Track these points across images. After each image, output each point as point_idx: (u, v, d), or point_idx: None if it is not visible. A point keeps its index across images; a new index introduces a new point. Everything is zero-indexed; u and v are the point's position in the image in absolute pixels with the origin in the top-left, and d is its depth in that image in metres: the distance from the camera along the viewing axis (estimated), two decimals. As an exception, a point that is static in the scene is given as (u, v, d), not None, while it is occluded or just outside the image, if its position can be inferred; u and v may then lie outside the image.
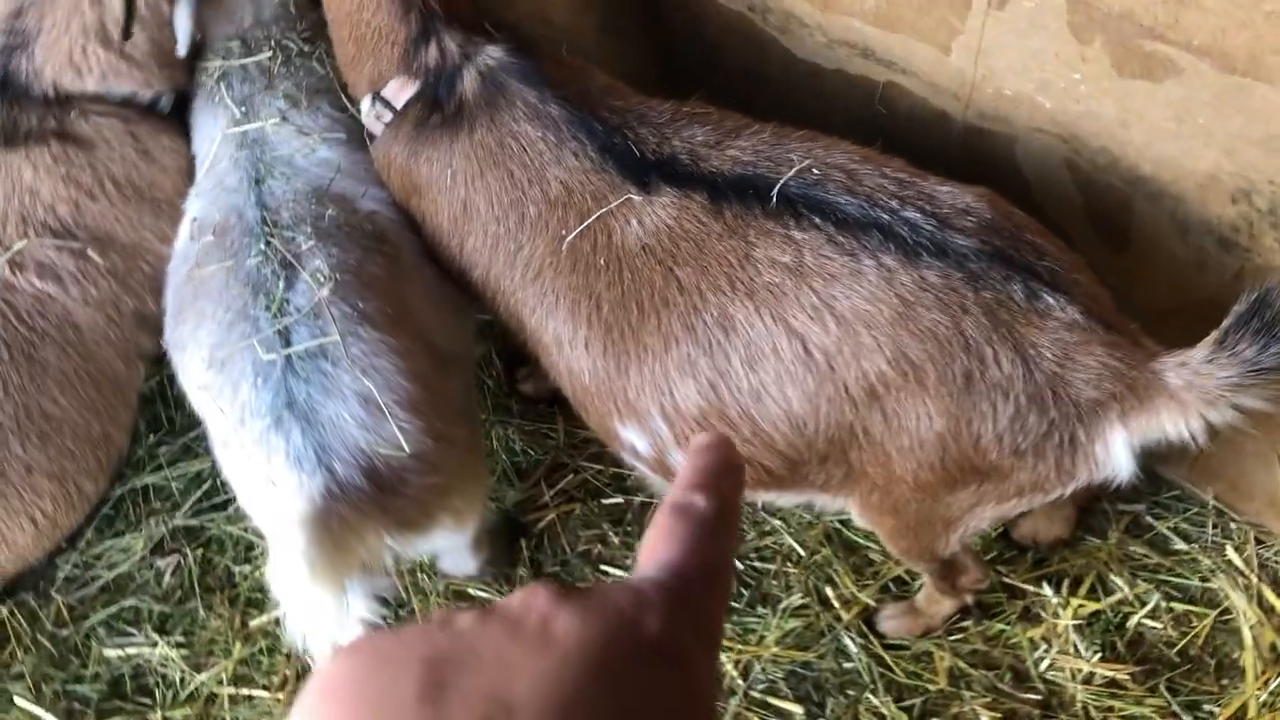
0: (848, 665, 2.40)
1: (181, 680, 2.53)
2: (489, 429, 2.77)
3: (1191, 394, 1.59)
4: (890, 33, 2.03)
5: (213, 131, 2.27)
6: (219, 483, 2.72)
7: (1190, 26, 1.62)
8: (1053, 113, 1.92)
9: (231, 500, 2.70)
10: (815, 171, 1.77)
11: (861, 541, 2.53)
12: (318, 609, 1.75)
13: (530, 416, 2.80)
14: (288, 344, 1.85)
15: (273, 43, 2.39)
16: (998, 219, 1.69)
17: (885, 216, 1.69)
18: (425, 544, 2.06)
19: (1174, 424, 1.62)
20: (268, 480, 1.81)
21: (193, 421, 2.77)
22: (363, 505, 1.77)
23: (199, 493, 2.74)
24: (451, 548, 2.27)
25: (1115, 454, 1.66)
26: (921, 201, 1.71)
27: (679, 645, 0.55)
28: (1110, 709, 2.29)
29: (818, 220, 1.71)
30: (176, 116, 2.46)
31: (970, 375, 1.62)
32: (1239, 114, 1.68)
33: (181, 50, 2.38)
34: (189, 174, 2.41)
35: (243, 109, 2.25)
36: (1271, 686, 2.24)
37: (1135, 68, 1.74)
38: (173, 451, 2.80)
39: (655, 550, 0.62)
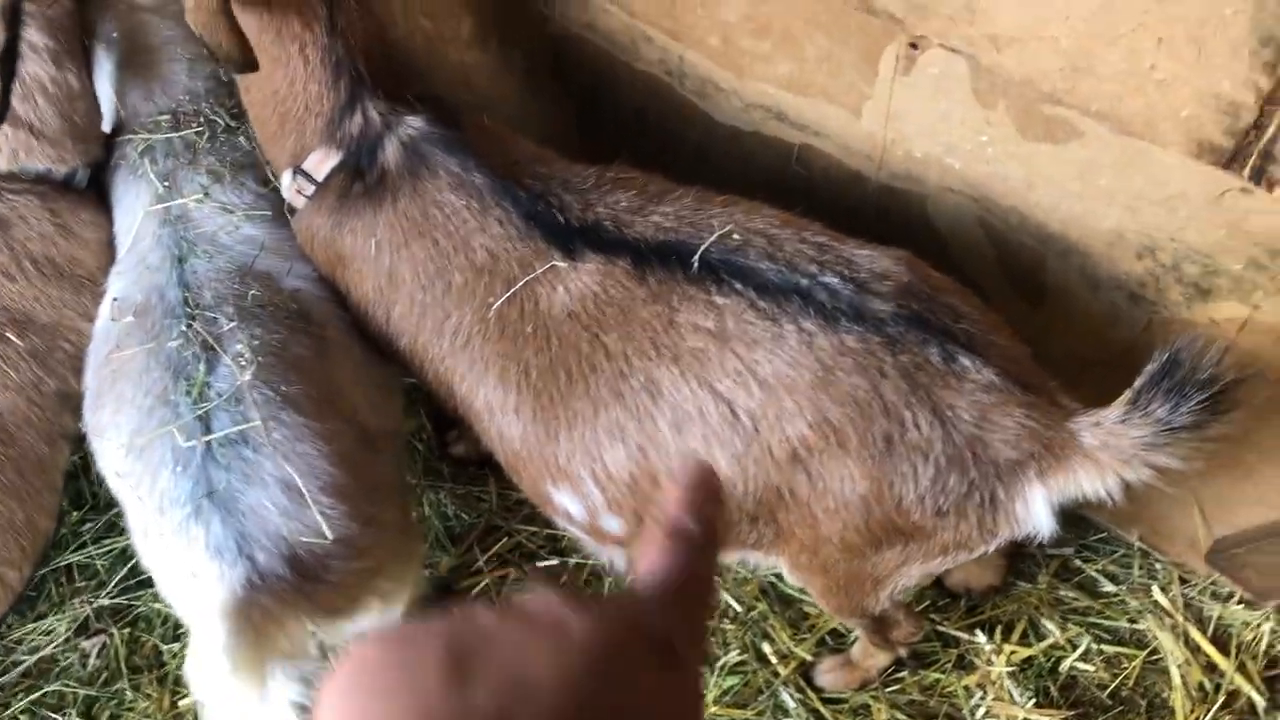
0: (787, 721, 2.40)
1: (108, 767, 2.47)
2: (421, 494, 2.75)
3: (1106, 454, 1.62)
4: (803, 97, 2.07)
5: (135, 207, 2.24)
6: (145, 560, 2.67)
7: (1087, 93, 1.67)
8: (962, 173, 1.96)
9: (158, 579, 2.65)
10: (736, 237, 1.79)
11: (797, 595, 2.54)
12: (238, 701, 1.71)
13: (462, 480, 2.78)
14: (208, 430, 1.81)
15: (201, 118, 2.37)
16: (915, 282, 1.72)
17: (805, 281, 1.71)
18: (352, 628, 2.03)
19: (1090, 483, 1.65)
20: (188, 570, 1.77)
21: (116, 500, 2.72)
22: (285, 595, 1.73)
23: (125, 569, 2.68)
24: (380, 625, 2.24)
25: (1035, 512, 1.69)
26: (840, 266, 1.73)
27: (675, 646, 0.61)
28: (1045, 754, 2.32)
29: (739, 286, 1.73)
30: (94, 189, 2.43)
31: (890, 438, 1.65)
32: (1139, 175, 1.73)
33: (105, 124, 2.35)
34: (110, 248, 2.37)
35: (166, 184, 2.22)
36: (1201, 723, 2.28)
37: (1038, 131, 1.79)
38: (97, 529, 2.74)
39: (651, 567, 0.69)
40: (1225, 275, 1.79)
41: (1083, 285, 2.00)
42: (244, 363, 1.86)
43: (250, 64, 1.92)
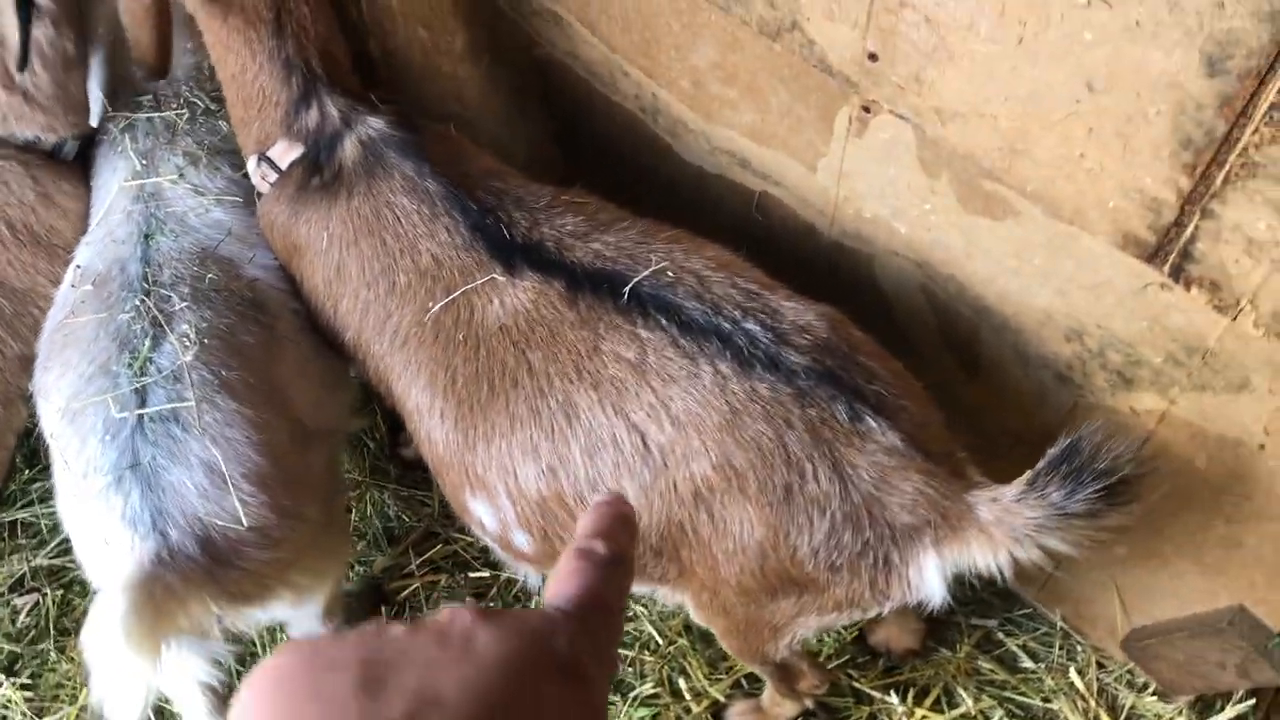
0: (693, 760, 2.42)
1: (21, 724, 2.50)
2: (364, 492, 2.79)
3: (1000, 530, 1.64)
4: (765, 147, 2.11)
5: (110, 182, 2.30)
6: (87, 525, 2.71)
7: (1023, 173, 1.70)
8: (907, 238, 1.99)
9: (98, 543, 2.69)
10: (670, 274, 1.82)
11: (718, 635, 2.56)
12: (126, 674, 1.73)
13: (407, 483, 2.82)
14: (143, 404, 1.86)
15: (181, 100, 2.43)
16: (833, 339, 1.75)
17: (726, 325, 1.74)
18: (263, 615, 2.06)
19: (983, 556, 1.67)
20: (102, 537, 1.81)
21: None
22: (192, 574, 1.76)
23: (64, 533, 2.72)
24: (296, 618, 2.27)
25: (927, 578, 1.71)
26: (764, 315, 1.77)
27: (582, 664, 0.62)
28: (943, 822, 2.33)
29: (664, 321, 1.76)
30: (80, 163, 2.49)
31: (790, 488, 1.67)
32: (1069, 259, 1.76)
33: (94, 104, 2.41)
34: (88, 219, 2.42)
35: (144, 162, 2.27)
36: (1098, 812, 2.29)
37: (978, 205, 1.82)
38: (46, 488, 2.79)
39: (561, 586, 0.70)
40: (1146, 366, 1.81)
41: (1015, 361, 2.03)
42: (188, 343, 1.91)
43: (161, 71, 1.99)
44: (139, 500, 1.79)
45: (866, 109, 1.85)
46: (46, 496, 2.78)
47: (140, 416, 1.85)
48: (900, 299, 2.14)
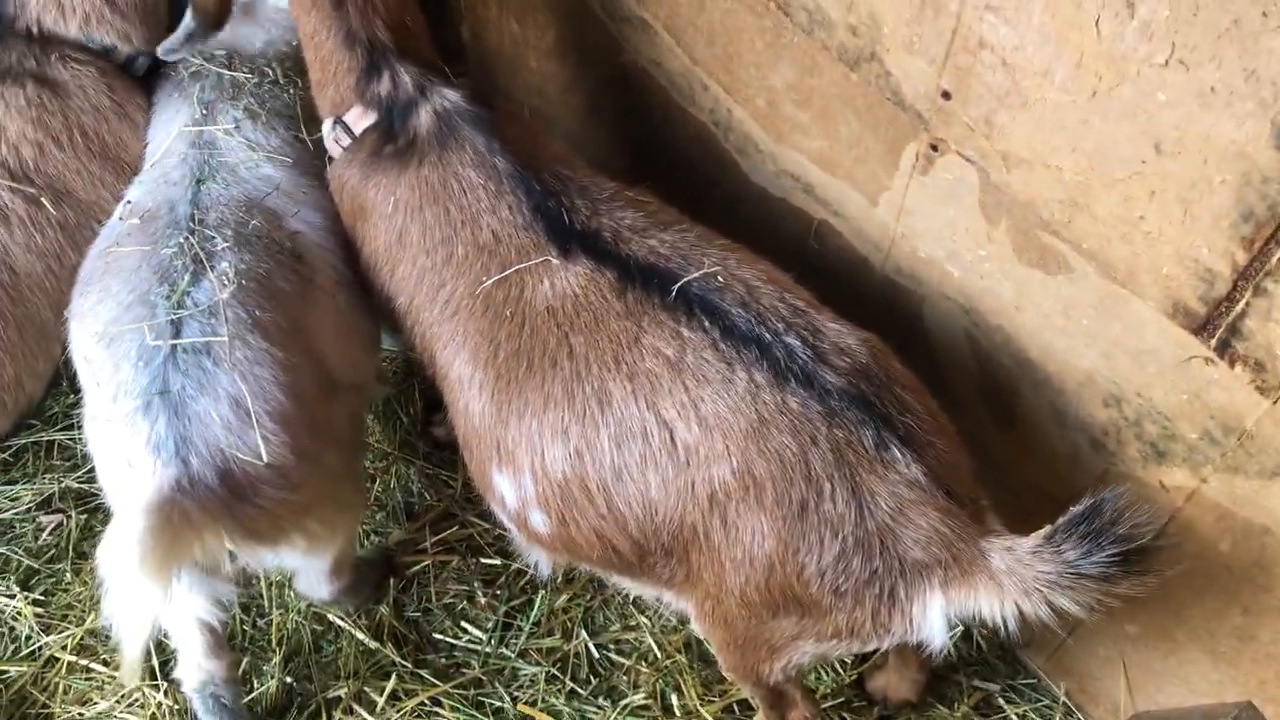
0: (674, 777, 2.40)
1: (28, 637, 2.55)
2: (391, 464, 2.82)
3: (1011, 580, 1.63)
4: (829, 174, 2.12)
5: (171, 124, 2.36)
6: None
7: (1081, 229, 1.70)
8: (959, 282, 2.00)
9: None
10: (720, 279, 1.84)
11: (716, 657, 2.54)
12: (137, 597, 1.76)
13: (434, 461, 2.85)
14: (177, 335, 1.90)
15: (253, 64, 2.49)
16: (872, 366, 1.76)
17: (768, 336, 1.76)
18: (272, 558, 2.09)
19: (989, 604, 1.65)
20: (125, 460, 1.85)
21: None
22: (209, 504, 1.80)
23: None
24: (305, 568, 2.30)
25: (931, 618, 1.69)
26: (806, 331, 1.78)
27: None
28: None
29: (707, 323, 1.78)
30: (144, 83, 2.52)
31: (806, 505, 1.67)
32: (1117, 322, 1.75)
33: (181, 30, 2.45)
34: None
35: (204, 111, 2.34)
36: None
37: (1033, 257, 1.82)
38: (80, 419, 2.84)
39: None
40: (1182, 441, 1.79)
41: (1051, 419, 2.01)
42: (226, 281, 1.96)
43: (218, 23, 2.08)
44: (165, 426, 1.83)
45: (934, 147, 1.86)
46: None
47: (174, 346, 1.89)
48: (944, 343, 2.13)
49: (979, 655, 2.57)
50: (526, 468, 1.90)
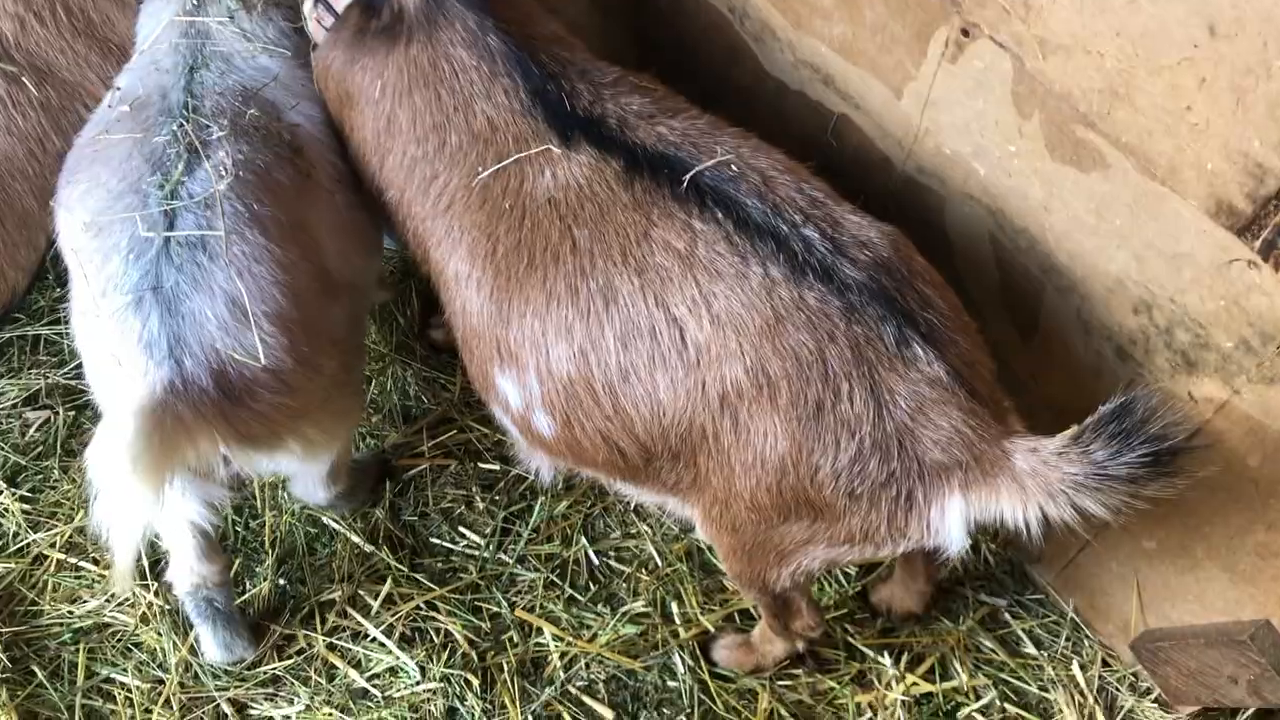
0: (671, 684, 2.37)
1: (15, 534, 2.49)
2: (387, 365, 2.75)
3: (1035, 482, 1.57)
4: (851, 64, 2.02)
5: (161, 12, 2.22)
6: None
7: (1121, 122, 1.60)
8: (985, 181, 1.90)
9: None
10: (734, 168, 1.75)
11: (720, 566, 2.50)
12: (129, 501, 1.70)
13: (431, 364, 2.78)
14: (171, 227, 1.81)
15: None
16: (894, 260, 1.68)
17: (785, 228, 1.67)
18: (268, 464, 2.02)
19: (1011, 507, 1.59)
20: (115, 358, 1.76)
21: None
22: (203, 408, 1.72)
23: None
24: (301, 473, 2.23)
25: (949, 522, 1.64)
26: (825, 224, 1.69)
27: None
28: (917, 794, 2.27)
29: (720, 215, 1.69)
30: None
31: (821, 405, 1.60)
32: (1153, 222, 1.67)
33: None
34: None
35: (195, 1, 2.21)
36: (1080, 808, 2.22)
37: (1066, 153, 1.72)
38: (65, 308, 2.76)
39: None
40: (1215, 351, 1.71)
41: (1076, 328, 1.94)
42: (224, 172, 1.85)
43: None
44: (157, 324, 1.74)
45: (966, 32, 1.76)
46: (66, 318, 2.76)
47: (167, 240, 1.80)
48: (965, 247, 2.05)
49: (986, 570, 2.53)
50: (531, 368, 1.82)
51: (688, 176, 1.72)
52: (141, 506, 1.73)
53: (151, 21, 2.22)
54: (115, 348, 1.77)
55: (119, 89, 2.08)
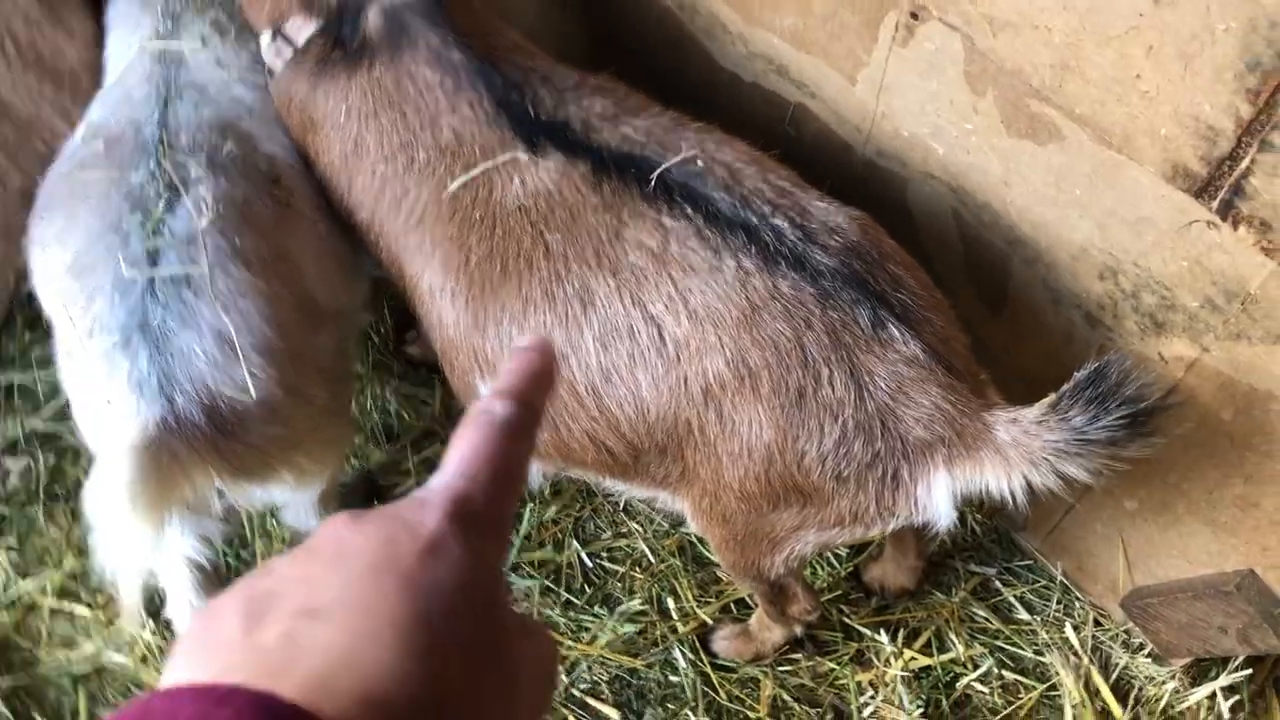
0: (674, 679, 2.39)
1: (4, 586, 2.48)
2: (366, 385, 2.75)
3: (1017, 452, 1.59)
4: (804, 54, 2.04)
5: (131, 38, 2.21)
6: (85, 392, 2.68)
7: (1073, 94, 1.63)
8: (944, 160, 1.93)
9: (95, 413, 2.66)
10: (700, 163, 1.77)
11: (712, 559, 2.52)
12: (131, 541, 1.70)
13: (410, 380, 2.78)
14: (154, 265, 1.81)
15: None
16: (863, 243, 1.70)
17: (754, 219, 1.69)
18: (261, 494, 2.02)
19: (996, 478, 1.62)
20: (105, 398, 1.76)
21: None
22: (197, 443, 1.72)
23: (63, 399, 2.68)
24: (292, 502, 2.23)
25: (936, 497, 1.66)
26: (793, 213, 1.71)
27: (451, 540, 0.61)
28: (922, 767, 2.30)
29: (689, 211, 1.71)
30: None
31: (803, 391, 1.62)
32: (1112, 190, 1.70)
33: None
34: (95, 46, 2.32)
35: (169, 24, 2.19)
36: (1080, 768, 2.26)
37: (1022, 127, 1.75)
38: (45, 353, 2.74)
39: (450, 457, 0.69)
40: (1181, 311, 1.75)
41: (1044, 297, 1.97)
42: (205, 208, 1.85)
43: None
44: (147, 363, 1.74)
45: (915, 15, 1.78)
46: (46, 361, 2.73)
47: (151, 279, 1.80)
48: (929, 225, 2.08)
49: (974, 540, 2.57)
50: None
51: (655, 175, 1.74)
52: (144, 544, 1.73)
53: (122, 48, 2.21)
54: (105, 388, 1.77)
55: (91, 121, 2.07)
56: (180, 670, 0.57)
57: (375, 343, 2.82)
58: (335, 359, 2.13)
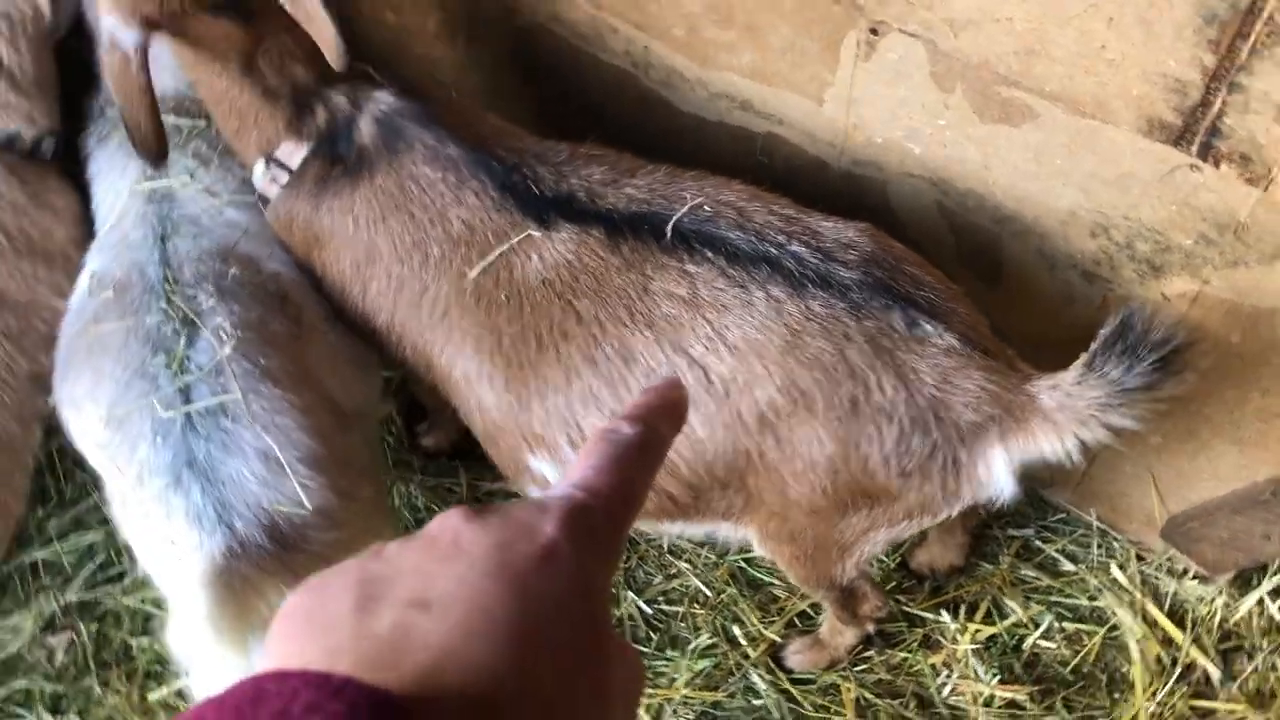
0: (757, 702, 2.44)
1: (79, 761, 2.46)
2: (391, 486, 2.77)
3: (1064, 415, 1.68)
4: (767, 86, 2.13)
5: (119, 184, 2.24)
6: (113, 554, 2.68)
7: (1041, 74, 1.74)
8: (922, 158, 2.03)
9: (126, 572, 2.65)
10: (707, 208, 1.84)
11: (765, 579, 2.58)
12: (223, 670, 1.72)
13: (432, 471, 2.81)
14: (188, 401, 1.84)
15: (190, 101, 2.36)
16: (878, 251, 1.79)
17: (773, 250, 1.77)
18: None
19: (1050, 444, 1.71)
20: (167, 539, 1.79)
21: (82, 493, 2.73)
22: (264, 563, 1.76)
23: (92, 566, 2.69)
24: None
25: (996, 473, 1.74)
26: (807, 236, 1.79)
27: (566, 550, 0.61)
28: (1010, 730, 2.38)
29: (710, 254, 1.78)
30: (57, 163, 2.40)
31: (856, 400, 1.70)
32: (1092, 154, 1.80)
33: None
34: (80, 219, 2.35)
35: None
36: (1159, 696, 2.34)
37: (995, 113, 1.85)
38: (62, 524, 2.74)
39: (574, 469, 0.69)
40: (1176, 251, 1.86)
41: (1039, 265, 2.07)
42: (224, 336, 1.89)
43: (161, 155, 1.96)
44: (200, 496, 1.77)
45: (874, 30, 1.88)
46: (65, 533, 2.73)
47: (188, 415, 1.83)
48: (916, 221, 2.17)
49: (1005, 506, 2.65)
50: (564, 443, 1.88)
51: (669, 226, 1.81)
52: (236, 670, 1.75)
53: (110, 195, 2.25)
54: (165, 529, 1.80)
55: (94, 273, 2.09)
56: (286, 640, 0.58)
57: (390, 443, 2.84)
58: (369, 454, 2.17)
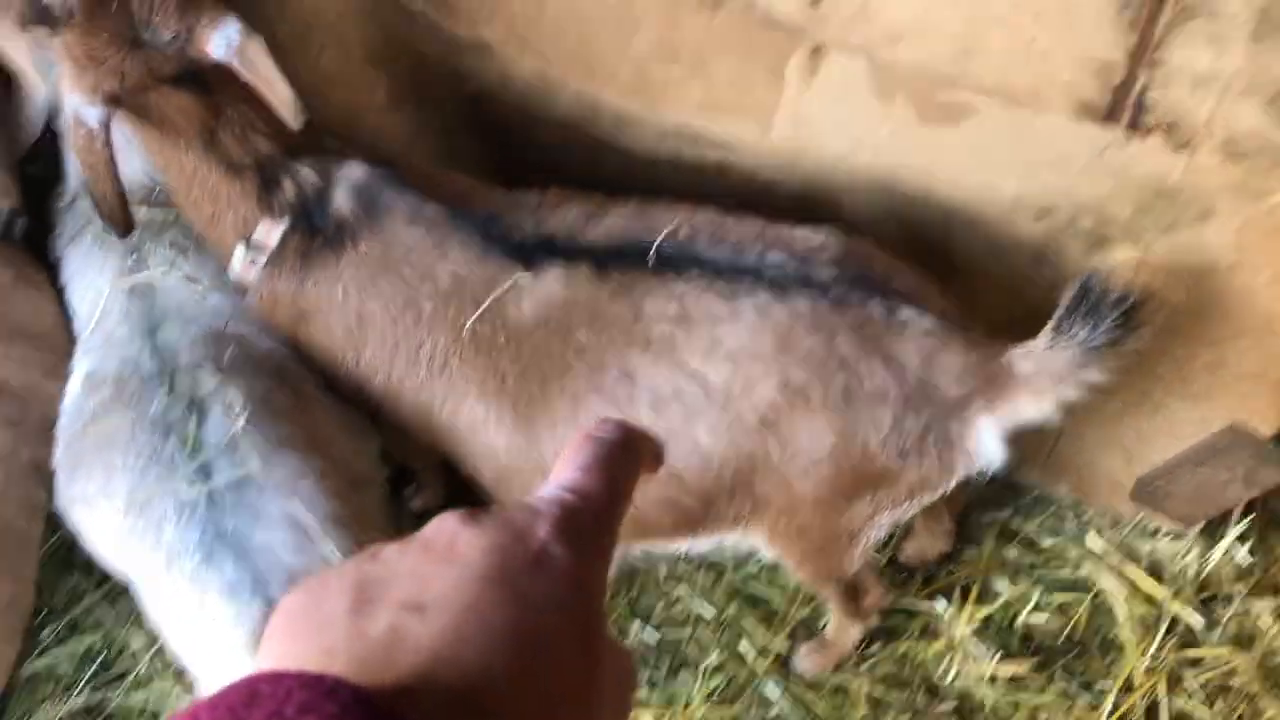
0: (772, 713, 2.50)
1: None
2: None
3: (1042, 378, 1.81)
4: (715, 116, 2.25)
5: (98, 280, 2.25)
6: (114, 653, 2.65)
7: (977, 72, 1.88)
8: (869, 165, 2.16)
9: (130, 670, 2.63)
10: (683, 231, 1.95)
11: (763, 594, 2.66)
12: None
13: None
14: (209, 479, 1.87)
15: (160, 190, 2.35)
16: (848, 249, 1.91)
17: (752, 260, 1.88)
18: None
19: (1034, 408, 1.83)
20: (206, 618, 1.80)
21: (74, 598, 2.69)
22: None
23: (93, 667, 2.65)
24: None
25: (986, 442, 1.86)
26: (780, 244, 1.91)
27: (557, 552, 0.63)
28: (1017, 704, 2.47)
29: (695, 272, 1.89)
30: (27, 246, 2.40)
31: (849, 390, 1.81)
32: (1030, 143, 1.95)
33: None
34: (56, 301, 2.36)
35: (133, 256, 2.25)
36: (1150, 653, 2.47)
37: (936, 115, 1.99)
38: (58, 631, 2.70)
39: (560, 470, 0.71)
40: (1116, 223, 2.01)
41: (989, 254, 2.20)
42: (236, 409, 1.92)
43: (128, 226, 2.00)
44: (233, 569, 1.80)
45: (816, 51, 2.01)
46: (63, 639, 2.69)
47: (209, 492, 1.86)
48: (871, 229, 2.28)
49: (978, 493, 2.78)
50: None
51: (652, 251, 1.91)
52: None
53: (91, 293, 2.26)
54: (203, 607, 1.81)
55: (88, 373, 2.10)
56: (283, 637, 0.59)
57: (381, 507, 2.87)
58: (381, 516, 2.21)
